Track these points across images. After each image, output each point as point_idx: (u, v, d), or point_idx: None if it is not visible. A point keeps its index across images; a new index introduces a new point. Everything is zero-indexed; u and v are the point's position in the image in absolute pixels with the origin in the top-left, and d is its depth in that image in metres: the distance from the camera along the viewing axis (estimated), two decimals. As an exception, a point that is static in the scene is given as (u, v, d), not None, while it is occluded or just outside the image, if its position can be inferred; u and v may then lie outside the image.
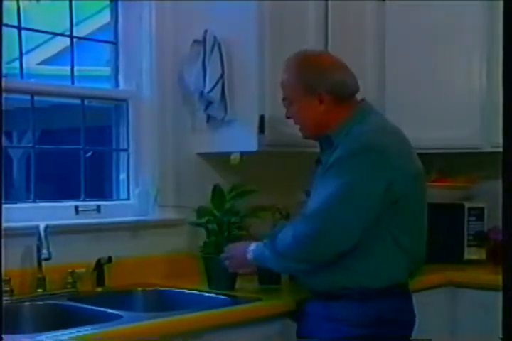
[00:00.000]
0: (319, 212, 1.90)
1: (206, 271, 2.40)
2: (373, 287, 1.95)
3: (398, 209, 1.94)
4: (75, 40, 2.56)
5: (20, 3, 2.38)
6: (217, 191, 2.47)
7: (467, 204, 2.96)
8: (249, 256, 2.07)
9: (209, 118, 2.66)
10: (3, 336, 1.43)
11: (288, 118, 2.20)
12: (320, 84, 2.06)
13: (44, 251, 2.16)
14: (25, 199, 2.47)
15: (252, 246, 2.07)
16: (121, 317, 1.96)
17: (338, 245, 1.90)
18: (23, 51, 2.42)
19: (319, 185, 1.97)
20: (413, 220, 2.02)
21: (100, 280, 2.37)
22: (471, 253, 2.94)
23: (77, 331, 1.78)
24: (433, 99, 2.90)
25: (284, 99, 2.18)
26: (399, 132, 2.09)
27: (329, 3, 2.74)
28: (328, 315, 1.99)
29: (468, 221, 2.94)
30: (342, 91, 2.08)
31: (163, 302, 2.36)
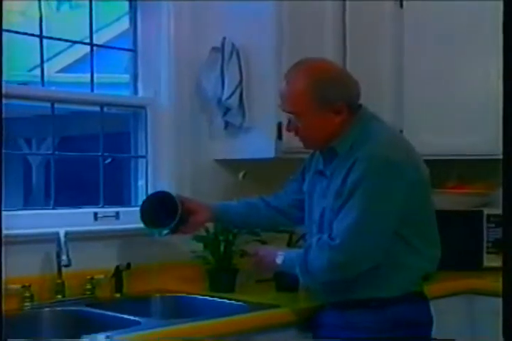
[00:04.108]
0: (352, 241, 1.87)
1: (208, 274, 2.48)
2: (388, 297, 1.96)
3: (409, 215, 1.94)
4: (94, 47, 2.59)
5: (43, 11, 2.41)
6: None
7: (486, 211, 2.93)
8: (279, 260, 2.02)
9: (227, 124, 2.67)
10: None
11: (289, 130, 2.06)
12: (340, 96, 1.96)
13: (63, 257, 2.17)
14: (45, 206, 2.49)
15: (282, 252, 2.03)
16: (139, 323, 1.97)
17: (367, 266, 1.91)
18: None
19: (340, 207, 1.90)
20: (424, 222, 2.01)
21: (119, 287, 2.38)
22: (490, 261, 2.91)
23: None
24: (452, 104, 2.88)
25: (287, 112, 2.03)
26: (403, 139, 2.08)
27: (347, 9, 2.74)
28: (344, 323, 1.99)
29: (488, 228, 2.92)
30: (357, 100, 2.02)
31: (181, 308, 2.36)
